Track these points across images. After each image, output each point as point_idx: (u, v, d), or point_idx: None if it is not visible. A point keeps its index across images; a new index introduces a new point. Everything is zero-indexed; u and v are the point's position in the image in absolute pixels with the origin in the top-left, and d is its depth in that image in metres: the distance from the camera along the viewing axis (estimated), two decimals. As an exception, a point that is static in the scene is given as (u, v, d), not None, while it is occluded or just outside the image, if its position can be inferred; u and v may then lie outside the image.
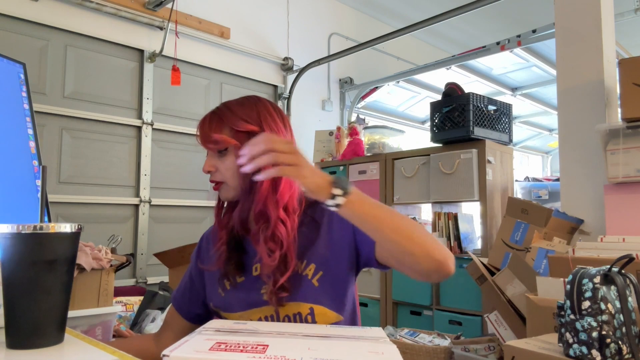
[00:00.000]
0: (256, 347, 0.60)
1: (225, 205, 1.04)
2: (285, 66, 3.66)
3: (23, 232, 0.62)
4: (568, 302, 1.04)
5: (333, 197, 0.77)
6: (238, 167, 0.92)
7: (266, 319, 0.93)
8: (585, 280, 1.03)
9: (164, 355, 0.55)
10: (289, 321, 0.91)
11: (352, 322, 0.96)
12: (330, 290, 0.92)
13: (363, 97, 4.07)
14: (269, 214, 0.91)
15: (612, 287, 1.02)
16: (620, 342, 0.98)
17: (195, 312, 1.06)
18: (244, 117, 0.95)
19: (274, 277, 0.89)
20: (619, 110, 1.81)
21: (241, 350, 0.58)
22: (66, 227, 0.65)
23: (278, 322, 0.92)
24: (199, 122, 0.98)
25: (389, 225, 0.78)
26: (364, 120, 3.39)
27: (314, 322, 0.90)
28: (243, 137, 0.93)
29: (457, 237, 2.64)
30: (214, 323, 0.76)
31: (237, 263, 0.99)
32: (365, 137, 3.31)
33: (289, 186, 0.94)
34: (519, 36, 2.88)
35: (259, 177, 0.78)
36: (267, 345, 0.61)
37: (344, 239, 0.93)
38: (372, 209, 0.79)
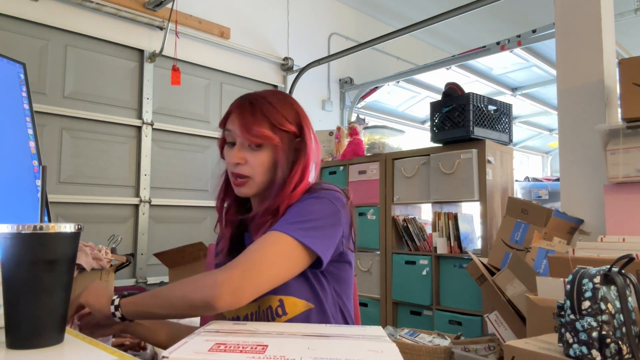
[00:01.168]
0: (255, 348, 0.60)
1: (227, 201, 1.03)
2: (285, 66, 3.66)
3: (23, 232, 0.62)
4: (568, 302, 1.04)
5: (114, 314, 0.86)
6: (270, 164, 0.93)
7: (251, 315, 0.94)
8: (585, 280, 1.03)
9: (163, 357, 0.55)
10: (266, 315, 0.92)
11: (332, 315, 0.95)
12: (296, 279, 0.91)
13: (363, 97, 4.07)
14: (279, 212, 0.92)
15: (612, 287, 1.02)
16: (620, 342, 0.98)
17: None
18: (286, 115, 0.95)
19: None
20: (619, 110, 1.81)
21: (241, 351, 0.58)
22: (66, 227, 0.65)
23: (259, 317, 0.93)
24: (234, 108, 0.95)
25: (159, 311, 0.84)
26: (364, 120, 3.39)
27: (284, 313, 0.91)
28: (283, 135, 0.94)
29: (457, 237, 2.64)
30: (214, 324, 0.76)
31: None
32: (365, 137, 3.31)
33: (302, 187, 0.95)
34: (519, 36, 2.88)
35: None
36: (267, 346, 0.61)
37: None
38: (143, 307, 0.85)
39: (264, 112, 0.93)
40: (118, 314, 0.85)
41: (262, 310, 0.93)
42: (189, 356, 0.56)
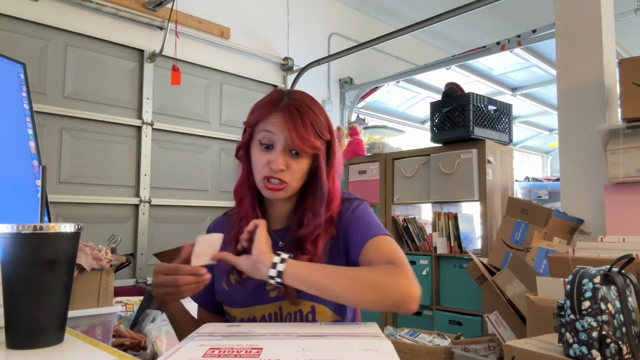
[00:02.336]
0: (250, 351, 0.59)
1: (248, 204, 1.01)
2: (285, 66, 3.66)
3: (23, 232, 0.62)
4: (568, 302, 1.04)
5: (274, 265, 0.81)
6: (305, 171, 0.95)
7: (269, 317, 0.93)
8: (585, 280, 1.03)
9: (157, 363, 0.55)
10: (290, 319, 0.91)
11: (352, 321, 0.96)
12: None
13: (363, 97, 4.07)
14: (333, 219, 0.95)
15: (612, 287, 1.02)
16: (620, 342, 0.98)
17: (212, 302, 1.04)
18: (324, 124, 0.96)
19: None
20: (619, 110, 1.81)
21: (235, 355, 0.58)
22: (66, 227, 0.65)
23: (280, 320, 0.92)
24: (278, 112, 0.91)
25: (333, 287, 0.81)
26: (364, 120, 3.39)
27: (314, 320, 0.90)
28: (323, 143, 0.95)
29: (457, 237, 2.64)
30: (208, 327, 0.76)
31: None
32: (365, 137, 3.31)
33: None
34: (519, 36, 2.88)
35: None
36: (262, 349, 0.61)
37: (341, 242, 0.95)
38: (312, 279, 0.81)
39: (311, 120, 0.92)
40: (277, 279, 0.80)
41: (286, 313, 0.91)
42: (184, 361, 0.56)
